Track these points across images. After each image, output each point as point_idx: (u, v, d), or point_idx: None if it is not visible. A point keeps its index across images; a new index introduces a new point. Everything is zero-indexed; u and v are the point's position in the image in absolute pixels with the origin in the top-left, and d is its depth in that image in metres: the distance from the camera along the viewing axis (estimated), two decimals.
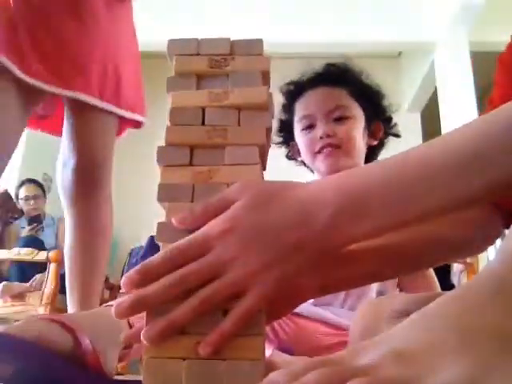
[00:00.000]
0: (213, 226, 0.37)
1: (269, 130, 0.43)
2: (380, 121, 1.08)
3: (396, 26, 3.37)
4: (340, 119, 1.01)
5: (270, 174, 0.44)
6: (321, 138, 0.99)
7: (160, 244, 0.42)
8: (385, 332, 0.26)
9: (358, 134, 1.02)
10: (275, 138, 1.11)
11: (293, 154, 1.12)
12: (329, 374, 0.22)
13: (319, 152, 1.01)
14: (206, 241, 0.37)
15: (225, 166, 0.41)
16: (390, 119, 1.10)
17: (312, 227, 0.36)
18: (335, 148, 0.99)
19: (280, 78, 1.02)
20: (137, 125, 1.21)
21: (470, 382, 0.21)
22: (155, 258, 0.38)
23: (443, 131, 3.28)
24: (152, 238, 2.64)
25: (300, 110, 1.05)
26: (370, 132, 1.07)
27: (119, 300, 0.37)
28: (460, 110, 3.13)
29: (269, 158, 0.45)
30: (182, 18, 3.27)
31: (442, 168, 0.34)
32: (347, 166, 1.01)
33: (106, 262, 1.19)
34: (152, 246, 2.74)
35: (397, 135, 1.11)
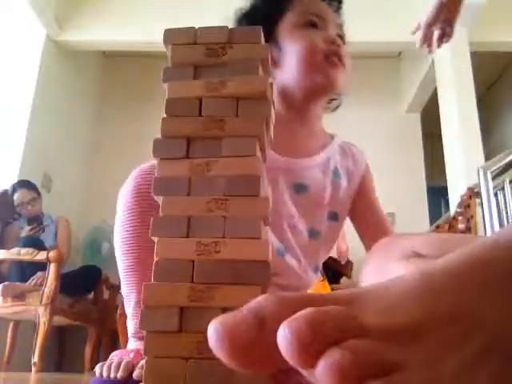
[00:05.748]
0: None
1: (269, 120, 0.42)
2: None
3: (396, 26, 3.36)
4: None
5: None
6: (332, 42, 0.82)
7: (155, 239, 0.41)
8: (369, 285, 0.24)
9: None
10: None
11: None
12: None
13: (326, 59, 0.81)
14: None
15: (222, 158, 0.40)
16: None
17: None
18: (341, 62, 0.82)
19: None
20: None
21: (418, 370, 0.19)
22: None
23: (443, 131, 3.27)
24: None
25: (307, 4, 0.87)
26: None
27: None
28: (460, 110, 3.12)
29: None
30: (182, 19, 3.26)
31: None
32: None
33: None
34: None
35: None
